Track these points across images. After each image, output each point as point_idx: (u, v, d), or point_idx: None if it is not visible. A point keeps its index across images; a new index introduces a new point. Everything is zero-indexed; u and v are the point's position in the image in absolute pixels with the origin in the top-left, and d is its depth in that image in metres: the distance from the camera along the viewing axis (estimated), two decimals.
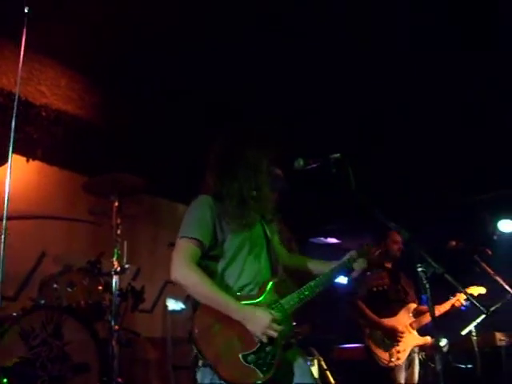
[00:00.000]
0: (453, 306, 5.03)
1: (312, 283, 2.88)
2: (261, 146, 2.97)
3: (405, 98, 5.31)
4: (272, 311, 2.70)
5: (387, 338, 4.95)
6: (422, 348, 5.10)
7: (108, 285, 4.37)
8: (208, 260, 2.78)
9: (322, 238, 9.05)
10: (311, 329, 4.41)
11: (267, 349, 2.64)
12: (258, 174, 2.90)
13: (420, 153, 6.22)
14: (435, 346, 4.19)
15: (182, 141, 5.63)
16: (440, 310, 4.96)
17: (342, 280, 4.84)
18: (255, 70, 4.96)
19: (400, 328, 4.97)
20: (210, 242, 2.76)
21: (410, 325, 5.03)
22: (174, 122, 5.32)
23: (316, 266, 3.16)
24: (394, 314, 5.07)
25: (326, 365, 5.88)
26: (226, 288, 2.74)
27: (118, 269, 4.37)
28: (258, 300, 2.75)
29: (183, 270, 2.66)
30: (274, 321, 2.65)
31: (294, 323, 2.79)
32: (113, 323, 4.19)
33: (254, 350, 2.62)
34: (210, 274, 2.74)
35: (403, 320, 5.04)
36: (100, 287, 4.32)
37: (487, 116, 5.65)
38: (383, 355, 4.91)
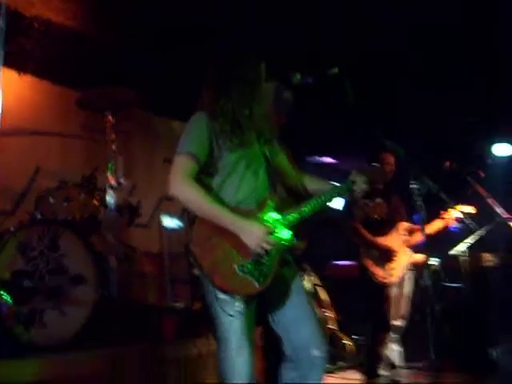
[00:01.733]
0: (444, 223, 5.09)
1: (312, 201, 2.88)
2: (255, 64, 2.93)
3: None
4: (268, 224, 2.73)
5: (382, 257, 5.05)
6: (414, 266, 5.21)
7: (103, 199, 4.40)
8: (205, 176, 2.80)
9: (317, 157, 9.02)
10: (305, 245, 4.46)
11: (263, 260, 2.69)
12: (251, 92, 2.87)
13: (416, 71, 6.11)
14: (426, 264, 4.26)
15: (177, 55, 5.50)
16: (432, 227, 5.03)
17: (338, 204, 4.90)
18: None
19: (394, 247, 5.06)
20: (206, 158, 2.77)
21: (403, 243, 5.12)
22: (169, 35, 5.17)
23: (318, 186, 3.11)
24: (387, 233, 5.15)
25: (319, 280, 6.03)
26: (223, 203, 2.76)
27: (114, 183, 4.38)
28: (256, 214, 2.77)
29: (180, 185, 2.69)
30: (269, 233, 2.69)
31: (292, 238, 2.81)
32: (109, 237, 4.26)
33: (250, 260, 2.67)
34: (208, 189, 2.77)
35: (396, 239, 5.13)
36: (95, 201, 4.34)
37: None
38: (379, 272, 5.02)
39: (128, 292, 4.77)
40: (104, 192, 4.40)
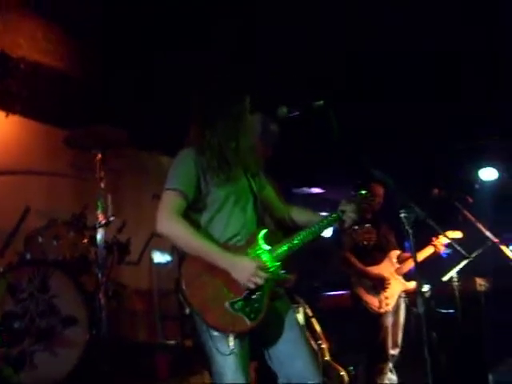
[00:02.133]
0: (434, 250, 5.10)
1: (302, 232, 2.88)
2: (239, 97, 2.95)
3: (387, 46, 5.24)
4: (258, 259, 2.73)
5: (375, 286, 5.03)
6: (406, 293, 5.20)
7: (93, 238, 4.38)
8: (193, 212, 2.80)
9: (305, 189, 9.06)
10: (297, 277, 4.45)
11: (254, 296, 2.67)
12: (237, 126, 2.88)
13: (403, 100, 6.19)
14: (418, 292, 4.25)
15: (164, 92, 5.55)
16: (422, 254, 5.03)
17: (327, 233, 4.89)
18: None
19: (386, 275, 5.05)
20: (194, 194, 2.76)
21: (395, 271, 5.12)
22: (155, 72, 5.22)
23: (307, 217, 3.13)
24: (377, 262, 5.15)
25: (312, 312, 5.97)
26: (212, 239, 2.75)
27: (103, 222, 4.37)
28: (246, 250, 2.77)
29: (168, 221, 2.68)
30: (260, 267, 2.68)
31: (283, 271, 2.80)
32: (99, 276, 4.22)
33: (241, 297, 2.65)
34: (196, 225, 2.76)
35: (388, 267, 5.13)
36: (85, 240, 4.33)
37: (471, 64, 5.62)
38: (373, 301, 5.00)
39: (119, 330, 4.73)
40: (94, 230, 4.38)
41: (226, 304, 2.63)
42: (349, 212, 2.97)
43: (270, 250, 2.80)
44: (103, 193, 4.54)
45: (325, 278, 7.16)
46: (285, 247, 2.82)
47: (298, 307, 5.68)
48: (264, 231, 2.84)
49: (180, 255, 2.79)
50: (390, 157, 6.66)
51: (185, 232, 2.68)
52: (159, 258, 6.33)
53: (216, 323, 2.61)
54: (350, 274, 5.19)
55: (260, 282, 2.65)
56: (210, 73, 3.11)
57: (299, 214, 3.16)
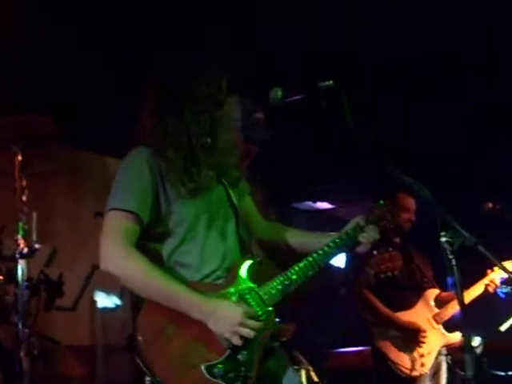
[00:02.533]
0: (486, 288, 5.11)
1: (301, 264, 2.86)
2: (215, 75, 2.93)
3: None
4: (244, 303, 2.70)
5: (406, 339, 5.01)
6: (449, 349, 5.19)
7: (11, 273, 4.36)
8: (149, 241, 2.76)
9: (309, 203, 9.09)
10: (296, 328, 4.44)
11: (240, 356, 2.63)
12: (211, 114, 2.86)
13: (440, 87, 6.26)
14: (465, 347, 4.25)
15: (111, 71, 5.55)
16: (470, 294, 5.04)
17: (339, 261, 4.89)
18: None
19: (421, 324, 5.03)
20: (151, 216, 2.72)
21: (434, 318, 5.11)
22: (99, 46, 5.23)
23: (307, 240, 3.14)
24: (410, 305, 5.14)
25: (317, 376, 5.97)
26: (180, 279, 2.70)
27: (25, 250, 4.35)
28: (226, 291, 2.73)
29: (115, 256, 2.63)
30: (248, 315, 2.64)
31: (278, 319, 2.79)
32: (20, 326, 4.20)
33: (222, 358, 2.60)
34: (156, 260, 2.71)
35: (423, 313, 5.12)
36: (0, 276, 4.31)
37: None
38: (402, 361, 4.96)
39: None
40: (13, 262, 4.36)
41: (202, 368, 2.58)
42: (366, 231, 2.99)
43: (258, 290, 2.77)
44: (26, 209, 4.52)
45: (336, 327, 7.17)
46: (279, 286, 2.79)
47: (300, 369, 5.69)
48: (249, 262, 2.82)
49: (134, 301, 2.76)
50: (426, 162, 6.79)
51: (141, 270, 2.63)
52: (104, 301, 6.31)
53: None
54: (369, 322, 5.19)
55: (250, 334, 2.62)
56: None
57: (294, 235, 3.18)
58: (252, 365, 2.66)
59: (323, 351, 7.21)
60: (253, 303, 2.73)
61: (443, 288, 5.31)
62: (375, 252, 4.41)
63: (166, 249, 2.76)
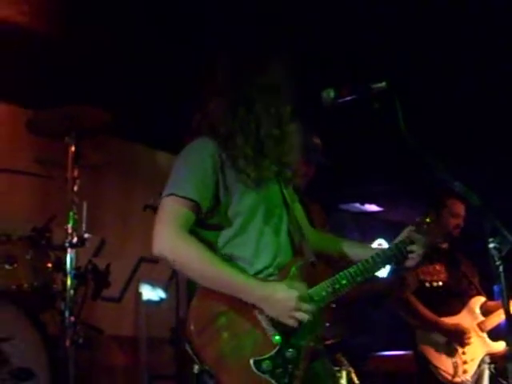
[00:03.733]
0: None
1: (351, 270, 2.85)
2: (287, 68, 2.90)
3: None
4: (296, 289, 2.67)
5: (450, 344, 4.97)
6: (493, 358, 5.14)
7: (60, 261, 4.42)
8: (204, 229, 2.76)
9: (357, 205, 9.05)
10: (346, 331, 4.41)
11: (288, 354, 2.65)
12: (281, 107, 2.85)
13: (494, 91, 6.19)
14: (509, 356, 4.20)
15: (166, 66, 5.58)
16: None
17: (382, 271, 4.87)
18: None
19: (466, 330, 4.99)
20: (209, 206, 2.72)
21: (479, 326, 5.06)
22: (157, 39, 5.26)
23: (354, 250, 3.14)
24: (455, 311, 5.09)
25: (359, 378, 5.95)
26: (236, 267, 2.71)
27: (75, 240, 4.40)
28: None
29: (171, 239, 2.63)
30: (302, 299, 2.64)
31: (327, 323, 2.81)
32: (67, 314, 4.25)
33: (272, 354, 2.62)
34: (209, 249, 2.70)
35: (468, 320, 5.07)
36: (49, 264, 4.36)
37: None
38: (445, 367, 4.92)
39: None
40: (62, 251, 4.42)
41: (251, 362, 2.59)
42: (414, 246, 2.97)
43: (309, 291, 2.75)
44: (77, 199, 4.58)
45: (378, 330, 7.13)
46: (329, 288, 2.79)
47: (340, 371, 5.68)
48: (301, 263, 2.82)
49: (189, 289, 2.76)
50: (475, 167, 6.71)
51: (197, 254, 2.63)
52: (149, 293, 6.36)
53: None
54: (414, 326, 5.16)
55: (305, 317, 2.63)
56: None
57: (342, 245, 3.17)
58: (299, 363, 2.66)
59: (365, 353, 7.19)
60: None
61: (490, 296, 5.25)
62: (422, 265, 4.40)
63: (220, 239, 2.76)
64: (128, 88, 5.73)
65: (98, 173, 5.76)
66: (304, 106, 3.07)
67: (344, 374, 5.71)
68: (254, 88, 2.82)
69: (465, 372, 4.92)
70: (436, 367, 4.95)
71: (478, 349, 5.02)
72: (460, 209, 5.16)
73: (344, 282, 2.81)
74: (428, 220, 3.12)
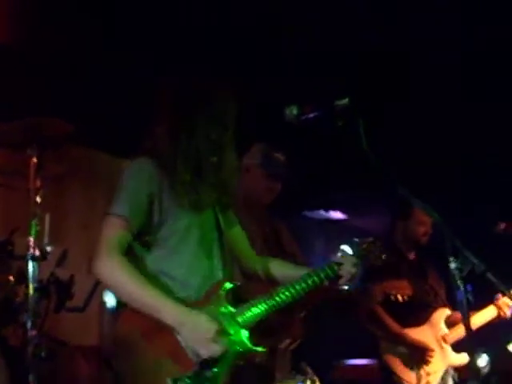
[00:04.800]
0: (498, 313, 5.09)
1: (282, 291, 2.97)
2: (229, 98, 3.02)
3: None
4: (219, 322, 2.75)
5: (413, 356, 5.00)
6: (457, 368, 5.17)
7: (22, 273, 4.37)
8: (137, 243, 2.86)
9: (321, 212, 9.08)
10: (302, 334, 4.43)
11: (207, 373, 2.68)
12: (222, 134, 2.95)
13: (455, 107, 6.24)
14: (471, 366, 4.24)
15: (128, 74, 5.57)
16: (480, 317, 5.02)
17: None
18: None
19: (430, 343, 5.01)
20: (142, 224, 2.82)
21: (442, 338, 5.09)
22: (118, 50, 5.25)
23: (283, 272, 3.24)
24: (419, 323, 5.13)
25: None
26: (166, 289, 2.79)
27: (37, 253, 4.36)
28: (203, 308, 2.79)
29: (103, 263, 2.75)
30: (221, 333, 2.70)
31: (254, 345, 2.84)
32: (29, 327, 4.21)
33: (190, 373, 2.66)
34: (139, 265, 2.82)
35: (432, 332, 5.11)
36: (11, 277, 4.32)
37: None
38: (409, 377, 4.95)
39: None
40: (23, 263, 4.37)
41: (168, 381, 2.63)
42: (347, 265, 3.06)
43: (234, 312, 2.85)
44: (39, 210, 4.52)
45: (343, 339, 7.15)
46: (256, 310, 2.88)
47: (306, 380, 5.68)
48: (229, 286, 2.88)
49: (116, 309, 2.83)
50: (435, 179, 6.78)
51: (126, 277, 2.72)
52: (114, 301, 6.30)
53: None
54: (379, 337, 5.17)
55: (214, 351, 2.67)
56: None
57: (277, 266, 3.27)
58: (218, 381, 2.71)
59: (329, 363, 7.21)
60: (226, 323, 2.79)
61: (455, 308, 5.28)
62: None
63: (152, 257, 2.85)
64: (90, 97, 5.70)
65: (61, 183, 5.73)
66: (264, 121, 3.11)
67: (309, 383, 5.74)
68: (195, 116, 2.92)
69: (428, 383, 4.94)
70: (400, 378, 4.99)
71: (442, 361, 5.06)
72: (426, 217, 5.19)
73: (272, 303, 2.92)
74: (366, 243, 3.19)
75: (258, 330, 3.47)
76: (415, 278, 5.14)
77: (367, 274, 4.03)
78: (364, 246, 3.20)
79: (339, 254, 3.11)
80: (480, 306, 5.02)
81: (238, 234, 3.19)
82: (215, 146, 2.92)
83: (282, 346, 4.32)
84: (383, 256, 3.29)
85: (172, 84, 3.05)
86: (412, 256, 5.34)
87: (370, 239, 3.24)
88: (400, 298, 4.13)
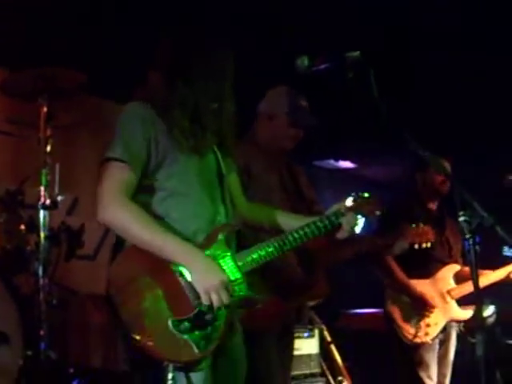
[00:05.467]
0: (507, 277, 5.11)
1: (279, 238, 2.97)
2: (227, 49, 3.02)
3: None
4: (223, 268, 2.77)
5: (415, 307, 5.04)
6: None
7: (33, 222, 4.40)
8: (138, 192, 2.81)
9: (331, 161, 9.07)
10: (329, 291, 4.42)
11: (207, 317, 2.70)
12: (221, 80, 2.95)
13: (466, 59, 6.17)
14: (478, 316, 4.26)
15: (138, 23, 5.52)
16: (489, 277, 5.04)
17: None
18: None
19: (432, 296, 5.04)
20: (142, 168, 2.79)
21: (448, 292, 5.11)
22: (128, 6, 5.20)
23: (287, 221, 3.23)
24: (429, 274, 5.14)
25: (331, 336, 6.03)
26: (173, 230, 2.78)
27: (47, 202, 4.38)
28: (204, 251, 2.79)
29: (110, 207, 2.70)
30: (230, 284, 2.73)
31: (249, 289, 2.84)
32: (40, 276, 4.25)
33: (191, 315, 2.67)
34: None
35: (439, 285, 5.11)
36: (22, 226, 4.34)
37: None
38: (407, 327, 4.99)
39: (66, 352, 4.76)
40: (34, 212, 4.40)
41: (169, 322, 2.64)
42: (346, 217, 3.11)
43: (234, 257, 2.85)
44: (49, 159, 4.53)
45: (350, 288, 7.19)
46: (254, 255, 2.88)
47: (313, 328, 5.75)
48: (228, 229, 2.88)
49: (114, 245, 2.83)
50: (444, 134, 6.75)
51: (135, 214, 2.70)
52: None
53: (150, 346, 2.60)
54: (386, 285, 5.20)
55: (218, 303, 2.68)
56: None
57: (274, 216, 3.27)
58: (218, 328, 2.72)
59: (338, 311, 7.26)
60: (226, 267, 2.79)
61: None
62: (413, 225, 4.42)
63: (152, 200, 2.82)
64: (101, 46, 5.66)
65: (71, 132, 5.71)
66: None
67: (316, 331, 5.81)
68: (193, 64, 2.91)
69: (426, 334, 4.98)
70: (399, 327, 5.02)
71: (444, 315, 5.08)
72: (437, 177, 5.18)
73: (271, 249, 2.92)
74: (362, 197, 3.22)
75: (286, 289, 3.55)
76: (434, 229, 5.10)
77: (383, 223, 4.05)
78: (358, 200, 3.22)
79: (334, 209, 3.15)
80: (489, 260, 5.00)
81: (233, 181, 3.17)
82: (214, 94, 2.91)
83: (313, 304, 4.35)
84: (377, 212, 3.30)
85: (172, 33, 3.03)
86: (433, 206, 5.32)
87: (365, 194, 3.26)
88: (424, 245, 4.13)
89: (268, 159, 3.99)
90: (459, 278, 5.16)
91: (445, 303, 5.10)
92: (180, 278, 2.70)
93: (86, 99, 5.87)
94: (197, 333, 2.66)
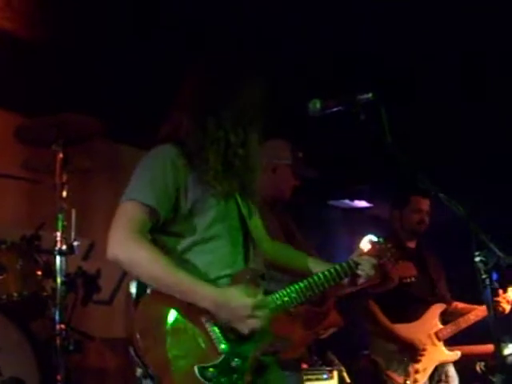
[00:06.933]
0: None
1: (302, 284, 2.91)
2: (260, 83, 2.96)
3: None
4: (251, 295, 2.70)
5: (403, 353, 4.96)
6: (481, 356, 5.13)
7: (49, 267, 4.41)
8: (163, 235, 2.76)
9: (346, 201, 9.08)
10: (341, 320, 4.40)
11: (233, 363, 2.64)
12: (246, 127, 2.88)
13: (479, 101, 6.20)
14: (498, 355, 4.20)
15: (154, 70, 5.57)
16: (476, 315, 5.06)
17: None
18: None
19: (420, 343, 4.95)
20: (168, 214, 2.72)
21: (435, 334, 5.05)
22: (143, 47, 5.25)
23: (312, 265, 3.18)
24: (414, 317, 5.08)
25: (350, 378, 5.96)
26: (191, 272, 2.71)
27: (64, 247, 4.40)
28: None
29: (126, 243, 2.61)
30: (258, 306, 2.66)
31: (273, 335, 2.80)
32: (57, 321, 4.25)
33: (217, 362, 2.61)
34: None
35: (426, 327, 5.05)
36: (39, 272, 4.36)
37: None
38: (394, 376, 4.92)
39: None
40: (51, 257, 4.41)
41: (195, 368, 2.57)
42: (366, 265, 3.06)
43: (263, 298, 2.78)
44: (65, 205, 4.56)
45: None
46: (278, 301, 2.83)
47: (332, 370, 5.70)
48: (252, 273, 2.84)
49: (137, 293, 2.70)
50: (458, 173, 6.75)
51: (149, 256, 2.61)
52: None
53: None
54: (371, 332, 5.18)
55: (258, 324, 2.64)
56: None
57: (294, 259, 3.25)
58: (244, 373, 2.66)
59: (357, 352, 7.17)
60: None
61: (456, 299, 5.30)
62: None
63: (179, 246, 2.76)
64: (116, 91, 5.71)
65: (87, 177, 5.75)
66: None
67: (335, 373, 5.76)
68: (224, 106, 2.85)
69: (415, 381, 4.88)
70: (387, 375, 4.96)
71: (432, 358, 5.00)
72: (423, 204, 5.21)
73: (294, 295, 2.87)
74: (381, 241, 3.21)
75: (297, 323, 3.54)
76: (416, 266, 5.08)
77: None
78: (377, 247, 3.21)
79: (355, 255, 3.13)
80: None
81: (256, 224, 3.10)
82: (240, 139, 2.85)
83: (325, 335, 4.33)
84: (395, 260, 3.30)
85: (194, 72, 2.98)
86: (412, 245, 5.30)
87: (381, 240, 3.25)
88: (408, 280, 4.12)
89: (272, 209, 4.08)
90: (447, 316, 5.14)
91: (432, 346, 5.02)
92: (205, 321, 2.64)
93: (102, 144, 5.92)
94: (223, 380, 2.59)
